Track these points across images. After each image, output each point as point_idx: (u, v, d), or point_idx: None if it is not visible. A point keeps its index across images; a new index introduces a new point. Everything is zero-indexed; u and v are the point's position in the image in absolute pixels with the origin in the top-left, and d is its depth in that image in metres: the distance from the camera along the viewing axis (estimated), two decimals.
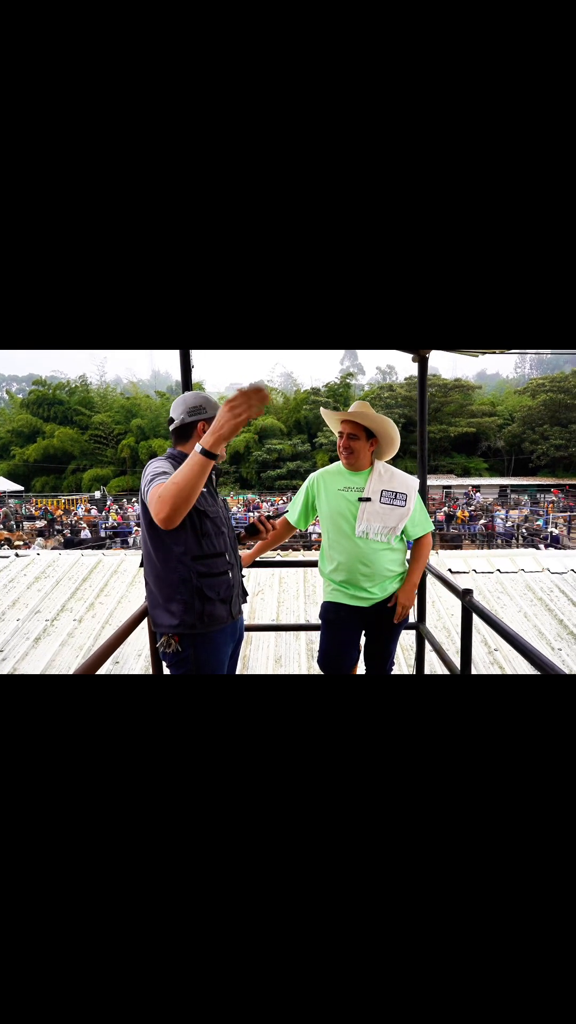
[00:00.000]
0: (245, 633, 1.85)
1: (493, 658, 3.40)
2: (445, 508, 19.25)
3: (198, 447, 1.22)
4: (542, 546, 12.86)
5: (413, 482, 1.91)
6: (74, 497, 25.17)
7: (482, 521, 16.64)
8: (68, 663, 3.44)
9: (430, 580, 2.52)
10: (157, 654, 1.51)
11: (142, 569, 1.54)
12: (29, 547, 12.30)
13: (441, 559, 4.68)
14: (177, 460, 1.50)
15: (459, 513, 17.71)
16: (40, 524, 17.27)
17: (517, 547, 13.83)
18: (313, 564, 2.22)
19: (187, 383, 2.08)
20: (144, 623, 1.61)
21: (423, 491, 2.07)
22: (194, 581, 1.45)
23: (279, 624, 2.58)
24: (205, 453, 1.20)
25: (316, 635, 3.27)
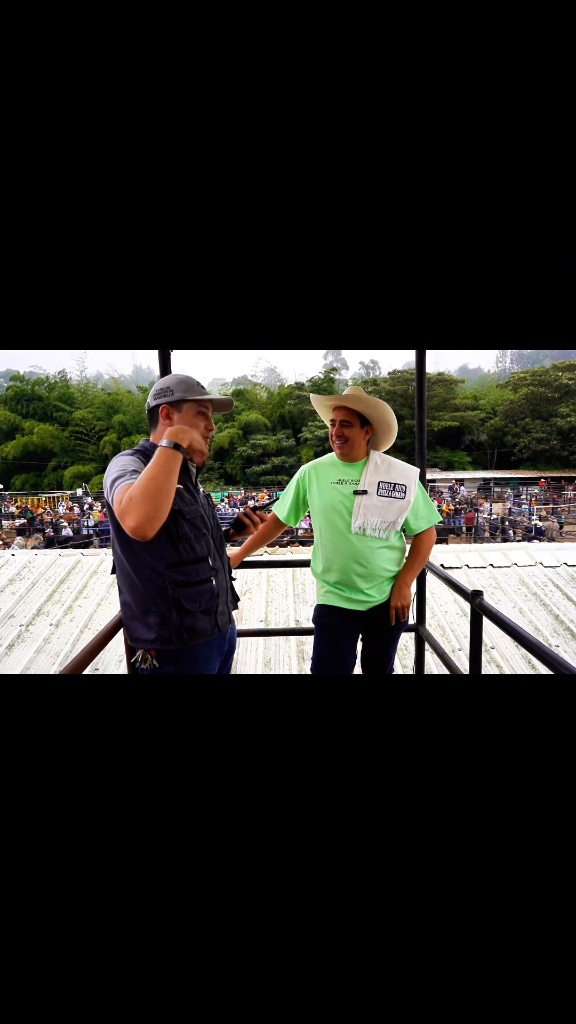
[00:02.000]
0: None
1: (490, 656, 3.29)
2: (432, 501, 19.28)
3: (164, 440, 1.07)
4: (534, 540, 12.94)
5: (413, 472, 1.76)
6: (55, 495, 24.64)
7: (464, 515, 16.70)
8: (44, 671, 3.24)
9: (430, 579, 2.38)
10: (134, 670, 1.33)
11: (115, 575, 1.35)
12: (8, 546, 11.94)
13: (432, 554, 4.57)
14: (144, 453, 1.31)
15: (444, 507, 17.73)
16: (20, 523, 16.83)
17: (500, 540, 13.89)
18: (304, 564, 2.06)
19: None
20: (121, 633, 1.45)
21: (424, 481, 1.92)
22: (170, 591, 1.25)
23: (268, 629, 2.42)
24: (173, 446, 1.06)
25: (306, 637, 3.13)
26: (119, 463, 1.23)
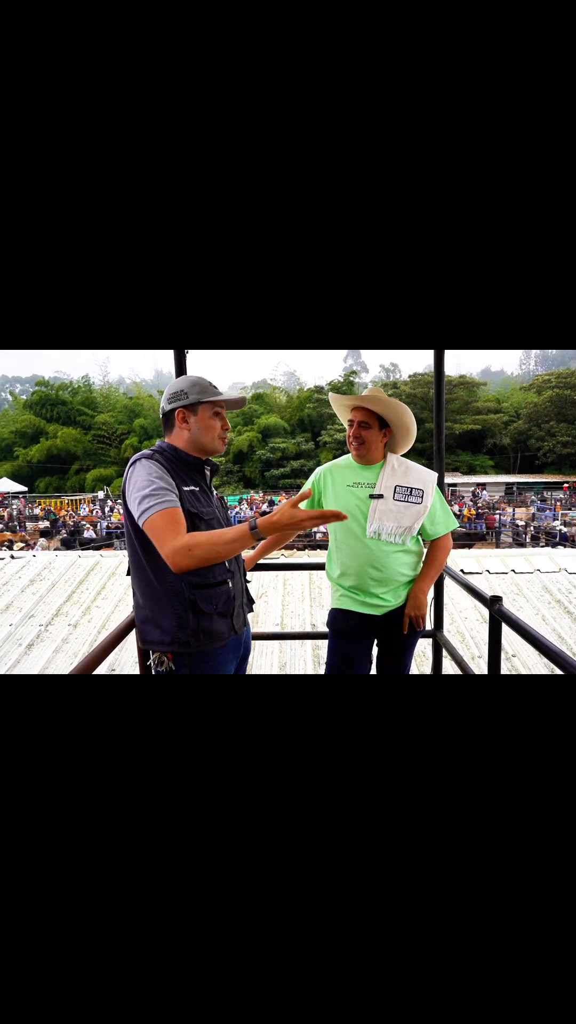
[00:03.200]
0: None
1: (511, 664, 3.21)
2: (453, 507, 19.01)
3: (254, 528, 1.14)
4: (558, 545, 12.63)
5: (431, 476, 1.72)
6: (77, 498, 25.08)
7: (485, 519, 16.40)
8: (61, 671, 3.28)
9: (448, 584, 2.33)
10: (148, 672, 1.33)
11: (130, 577, 1.35)
12: (32, 548, 12.19)
13: (452, 559, 4.49)
14: (165, 455, 1.31)
15: (465, 511, 17.46)
16: (43, 525, 17.16)
17: (522, 546, 13.60)
18: (320, 567, 2.04)
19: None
20: (132, 636, 1.45)
21: (442, 486, 1.88)
22: (187, 593, 1.24)
23: (284, 633, 2.40)
24: (255, 532, 1.14)
25: (322, 641, 3.10)
26: (143, 474, 1.22)
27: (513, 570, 4.20)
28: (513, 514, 18.41)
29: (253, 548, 1.42)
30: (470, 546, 12.69)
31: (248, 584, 1.50)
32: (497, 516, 16.20)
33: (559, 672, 1.03)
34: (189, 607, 1.25)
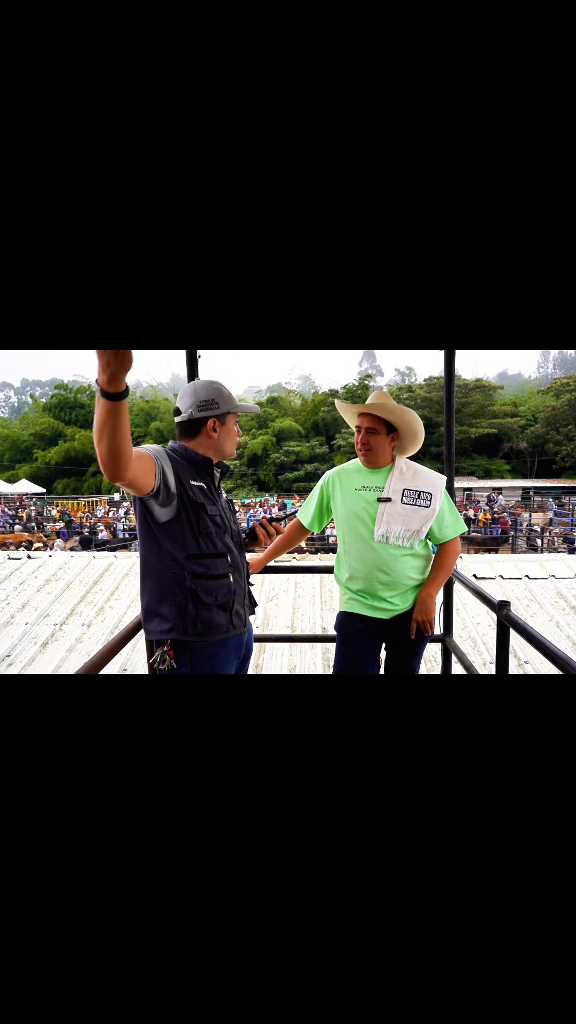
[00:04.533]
0: (257, 641, 1.67)
1: (522, 671, 3.17)
2: (468, 511, 18.81)
3: (96, 387, 1.01)
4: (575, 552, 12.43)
5: (439, 480, 1.72)
6: (94, 499, 25.41)
7: (508, 524, 16.19)
8: (74, 670, 3.33)
9: (458, 589, 2.32)
10: (152, 670, 1.35)
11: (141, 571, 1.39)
12: (49, 548, 12.38)
13: (465, 564, 4.45)
14: (179, 454, 1.34)
15: (481, 516, 17.26)
16: (59, 526, 17.43)
17: (543, 551, 13.38)
18: (331, 570, 2.05)
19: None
20: (142, 634, 1.48)
21: (452, 489, 1.87)
22: (188, 582, 1.29)
23: (294, 635, 2.41)
24: (105, 395, 1.00)
25: (332, 644, 3.09)
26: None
27: (527, 576, 4.15)
28: (530, 519, 18.15)
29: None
30: (494, 551, 12.47)
31: (251, 587, 1.53)
32: (510, 520, 15.99)
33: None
34: (190, 596, 1.29)
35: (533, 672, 3.16)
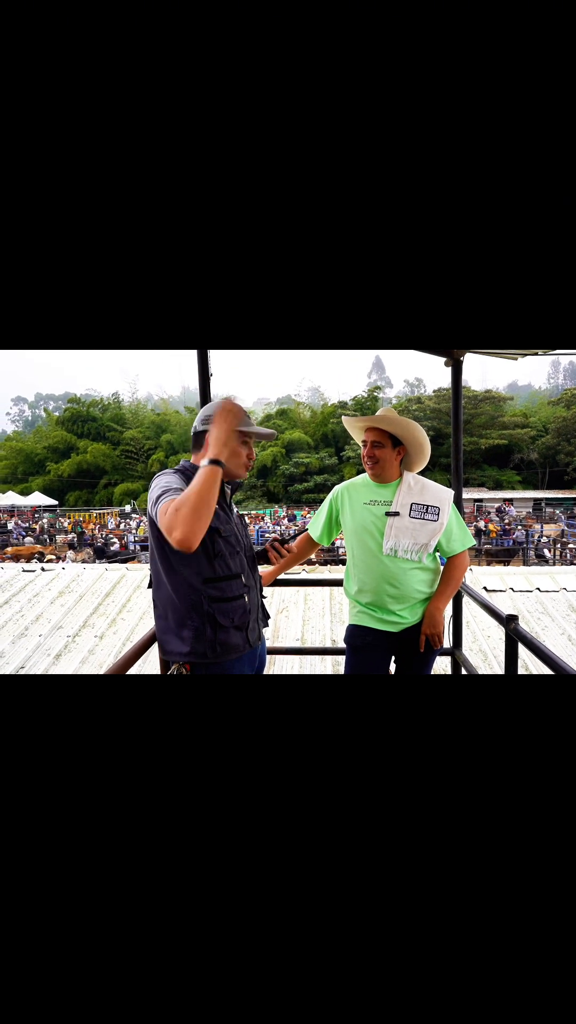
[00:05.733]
0: (268, 654, 1.69)
1: None
2: (479, 522, 18.69)
3: (205, 460, 1.16)
4: None
5: (447, 494, 1.75)
6: (105, 512, 25.66)
7: (515, 535, 16.04)
8: None
9: (467, 602, 2.32)
10: None
11: (151, 590, 1.42)
12: (61, 561, 12.50)
13: (476, 576, 4.44)
14: (186, 473, 1.38)
15: (491, 527, 17.13)
16: (71, 537, 17.61)
17: (556, 564, 13.22)
18: (340, 583, 2.07)
19: (204, 386, 1.99)
20: (155, 648, 1.51)
21: (459, 502, 1.90)
22: (205, 607, 1.31)
23: (304, 648, 2.42)
24: (212, 461, 1.14)
25: (342, 657, 3.09)
26: (162, 481, 1.29)
27: (538, 588, 4.13)
28: (541, 530, 17.98)
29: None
30: (506, 562, 12.34)
31: (264, 599, 1.55)
32: (516, 533, 15.83)
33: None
34: (207, 620, 1.30)
35: None
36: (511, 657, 1.44)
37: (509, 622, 1.43)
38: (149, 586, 1.41)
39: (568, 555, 13.87)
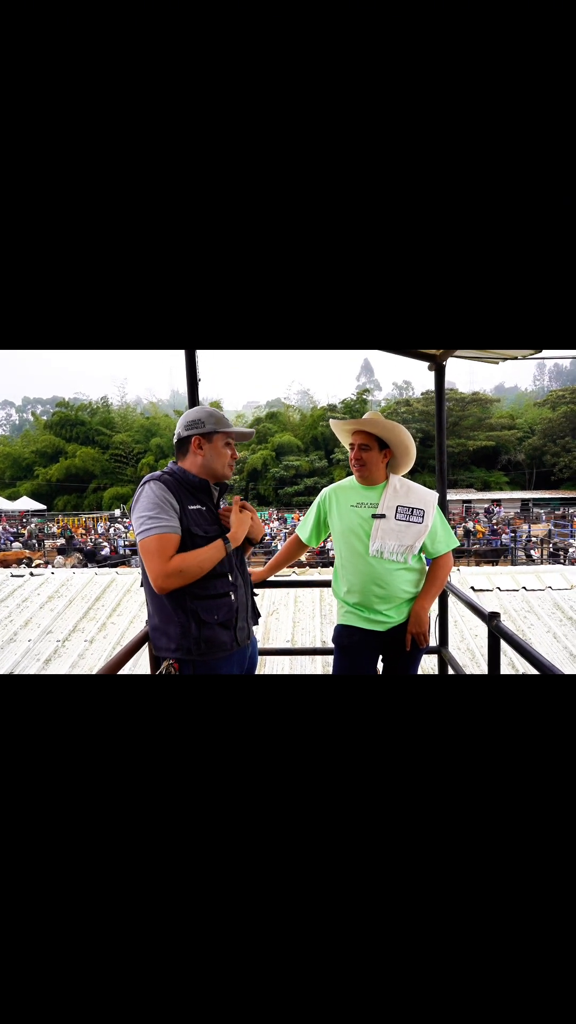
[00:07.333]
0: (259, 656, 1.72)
1: None
2: (467, 523, 18.86)
3: (227, 541, 1.37)
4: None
5: (432, 496, 1.79)
6: (95, 516, 25.49)
7: (504, 536, 16.23)
8: None
9: (453, 602, 2.37)
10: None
11: (143, 588, 1.45)
12: (50, 565, 12.39)
13: (463, 576, 4.50)
14: (175, 476, 1.41)
15: (478, 528, 17.31)
16: (60, 542, 17.47)
17: (543, 563, 13.39)
18: (329, 584, 2.10)
19: (193, 390, 2.01)
20: (145, 649, 1.53)
21: (443, 505, 1.94)
22: (189, 603, 1.34)
23: (295, 648, 2.45)
24: (228, 547, 1.37)
25: (332, 657, 3.12)
26: (149, 495, 1.32)
27: (524, 587, 4.20)
28: (528, 531, 18.19)
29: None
30: (494, 563, 12.46)
31: (255, 598, 1.58)
32: (503, 535, 16.01)
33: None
34: (192, 617, 1.34)
35: None
36: (494, 653, 1.48)
37: (491, 619, 1.47)
38: (142, 584, 1.44)
39: (562, 556, 14.06)
